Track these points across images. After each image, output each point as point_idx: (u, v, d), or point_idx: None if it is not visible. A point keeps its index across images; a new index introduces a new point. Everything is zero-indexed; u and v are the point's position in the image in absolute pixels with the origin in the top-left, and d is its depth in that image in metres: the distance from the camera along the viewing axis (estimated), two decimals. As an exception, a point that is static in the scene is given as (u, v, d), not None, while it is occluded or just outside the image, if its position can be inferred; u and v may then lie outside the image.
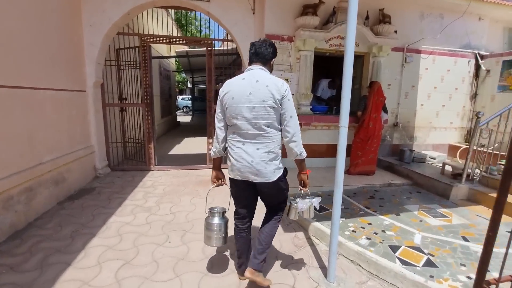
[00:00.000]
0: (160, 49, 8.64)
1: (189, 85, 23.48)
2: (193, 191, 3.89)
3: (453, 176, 3.88)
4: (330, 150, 4.80)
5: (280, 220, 1.98)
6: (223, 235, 1.98)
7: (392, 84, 4.99)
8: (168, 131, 10.20)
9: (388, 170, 4.76)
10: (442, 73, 5.23)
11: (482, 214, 3.13)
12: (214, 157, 1.92)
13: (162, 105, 8.93)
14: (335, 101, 5.75)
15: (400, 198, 3.58)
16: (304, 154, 1.77)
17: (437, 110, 5.36)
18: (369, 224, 2.81)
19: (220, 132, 1.82)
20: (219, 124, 1.82)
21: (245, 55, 4.43)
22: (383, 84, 4.84)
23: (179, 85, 24.91)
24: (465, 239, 2.56)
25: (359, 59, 4.96)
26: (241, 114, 1.68)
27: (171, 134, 9.54)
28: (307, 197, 1.95)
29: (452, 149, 5.44)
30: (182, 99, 22.76)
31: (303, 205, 1.91)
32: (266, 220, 1.98)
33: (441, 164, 4.70)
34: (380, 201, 3.46)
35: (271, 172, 1.73)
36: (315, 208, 1.99)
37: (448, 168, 4.14)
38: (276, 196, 1.91)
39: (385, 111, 4.37)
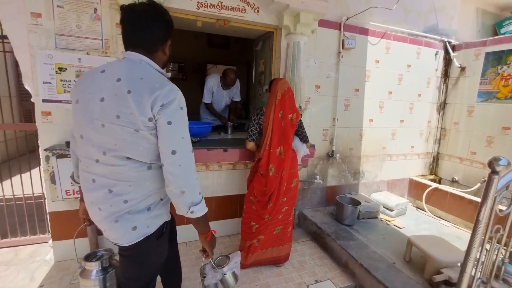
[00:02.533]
0: None
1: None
2: None
3: (430, 282, 1.88)
4: (220, 207, 2.57)
5: None
6: None
7: (323, 86, 2.91)
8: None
9: (315, 241, 2.65)
10: (401, 70, 3.32)
11: None
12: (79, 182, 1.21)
13: None
14: (235, 111, 3.52)
15: None
16: (199, 211, 1.01)
17: (393, 129, 3.44)
18: None
19: (72, 154, 1.18)
20: (72, 139, 1.15)
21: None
22: (308, 86, 2.73)
23: None
24: None
25: (266, 40, 2.79)
26: (85, 131, 0.98)
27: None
28: (215, 268, 1.28)
29: (415, 188, 3.58)
30: None
31: (210, 280, 1.27)
32: None
33: (401, 229, 2.73)
34: None
35: (126, 231, 1.00)
36: (235, 275, 1.29)
37: (416, 251, 2.15)
38: (130, 273, 1.12)
39: (304, 139, 2.23)
